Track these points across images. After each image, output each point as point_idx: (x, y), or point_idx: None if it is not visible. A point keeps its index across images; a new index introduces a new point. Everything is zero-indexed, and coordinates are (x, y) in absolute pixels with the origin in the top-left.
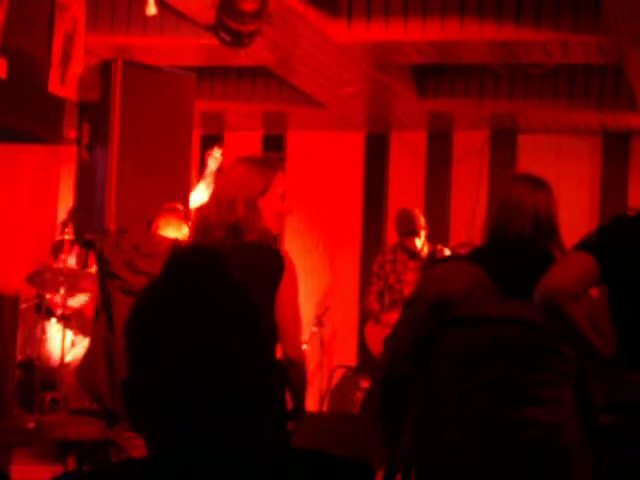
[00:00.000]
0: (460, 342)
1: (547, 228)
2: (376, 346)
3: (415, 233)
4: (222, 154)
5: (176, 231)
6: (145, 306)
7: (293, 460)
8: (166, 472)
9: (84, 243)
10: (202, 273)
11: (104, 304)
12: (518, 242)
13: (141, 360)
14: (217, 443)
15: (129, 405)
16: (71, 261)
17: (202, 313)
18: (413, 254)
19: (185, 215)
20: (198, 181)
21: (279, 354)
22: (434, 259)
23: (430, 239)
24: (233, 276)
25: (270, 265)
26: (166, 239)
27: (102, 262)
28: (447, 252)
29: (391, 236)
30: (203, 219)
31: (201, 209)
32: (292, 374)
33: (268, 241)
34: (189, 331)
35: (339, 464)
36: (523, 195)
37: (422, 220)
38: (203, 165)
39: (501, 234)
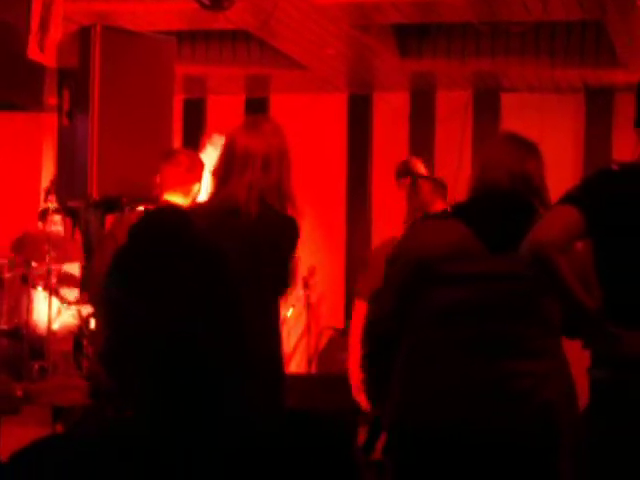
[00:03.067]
0: (448, 299)
1: (524, 184)
2: None
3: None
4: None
5: (184, 197)
6: (118, 266)
7: (276, 418)
8: (144, 431)
9: (67, 211)
10: (172, 233)
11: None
12: (494, 196)
13: (116, 320)
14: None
15: (109, 368)
16: (56, 229)
17: (172, 270)
18: None
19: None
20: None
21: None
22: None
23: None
24: (203, 235)
25: (292, 235)
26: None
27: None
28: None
29: (376, 196)
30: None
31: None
32: None
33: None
34: (161, 288)
35: (320, 421)
36: (498, 153)
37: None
38: (187, 133)
39: (478, 191)
